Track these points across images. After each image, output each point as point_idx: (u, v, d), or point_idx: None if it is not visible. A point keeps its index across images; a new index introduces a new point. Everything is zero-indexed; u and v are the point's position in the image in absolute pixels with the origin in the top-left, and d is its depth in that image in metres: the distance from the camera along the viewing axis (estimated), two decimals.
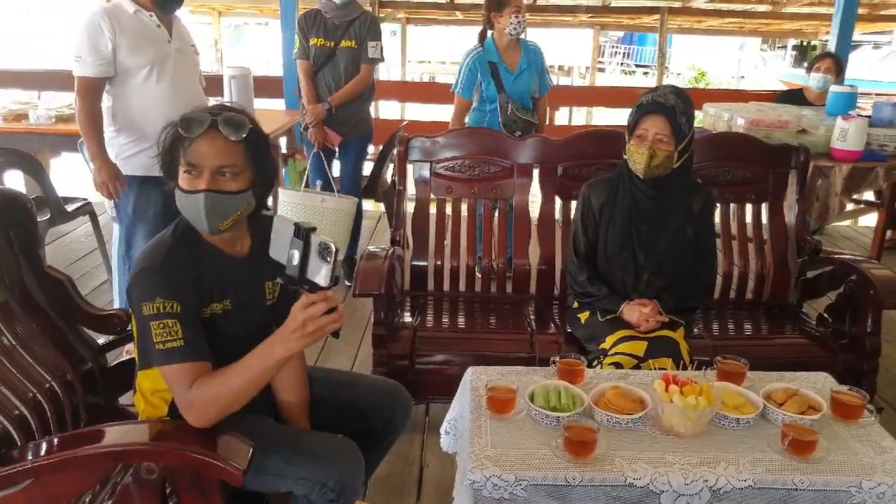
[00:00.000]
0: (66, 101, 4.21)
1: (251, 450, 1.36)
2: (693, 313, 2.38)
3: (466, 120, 3.74)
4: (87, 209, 3.64)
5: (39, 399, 1.61)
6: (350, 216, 3.46)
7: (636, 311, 2.17)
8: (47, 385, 1.64)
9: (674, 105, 2.11)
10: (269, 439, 1.49)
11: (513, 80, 3.60)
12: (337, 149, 3.71)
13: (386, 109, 8.49)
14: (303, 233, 1.27)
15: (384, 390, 1.81)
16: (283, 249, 1.30)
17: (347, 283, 3.61)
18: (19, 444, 1.50)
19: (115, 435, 1.41)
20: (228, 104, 1.56)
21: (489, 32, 3.64)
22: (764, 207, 2.81)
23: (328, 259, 1.25)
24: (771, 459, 1.52)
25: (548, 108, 3.99)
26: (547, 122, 3.92)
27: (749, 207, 2.82)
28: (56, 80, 5.19)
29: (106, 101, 2.69)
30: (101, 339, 1.88)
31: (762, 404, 1.68)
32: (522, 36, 3.62)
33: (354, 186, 3.78)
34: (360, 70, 3.62)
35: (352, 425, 1.78)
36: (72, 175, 4.75)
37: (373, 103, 6.93)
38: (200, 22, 12.39)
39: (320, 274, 1.28)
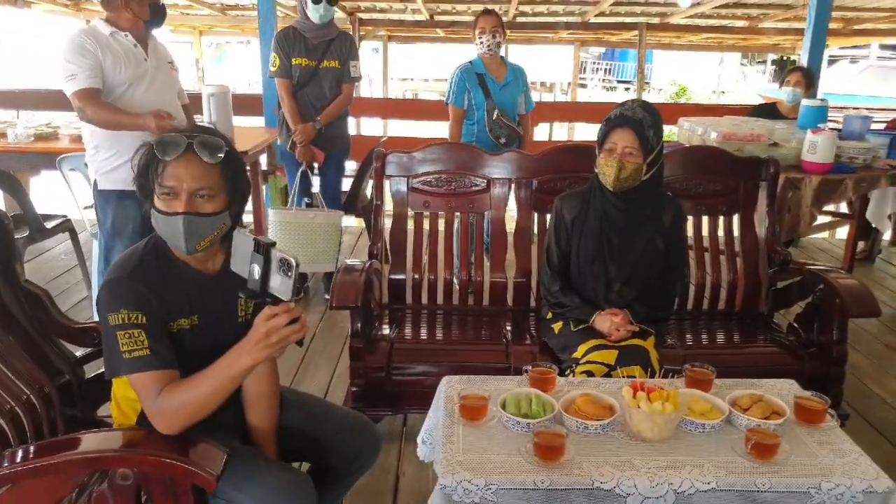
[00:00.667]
0: (44, 119, 4.23)
1: (225, 455, 1.38)
2: (664, 323, 2.43)
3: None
4: (66, 226, 3.65)
5: (17, 411, 1.61)
6: (338, 229, 3.50)
7: (607, 321, 2.21)
8: (25, 397, 1.64)
9: (641, 118, 2.17)
10: (232, 465, 1.47)
11: (499, 89, 3.89)
12: (320, 165, 3.75)
13: (368, 126, 8.55)
14: (262, 248, 1.31)
15: (353, 428, 1.78)
16: (244, 263, 1.35)
17: (327, 297, 3.64)
18: None
19: (90, 442, 1.43)
20: (204, 125, 1.60)
21: (477, 54, 3.93)
22: (735, 219, 2.87)
23: (289, 274, 1.29)
24: (734, 462, 1.56)
25: (530, 126, 4.23)
26: (529, 139, 4.14)
27: (721, 219, 2.88)
28: (34, 100, 5.22)
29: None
30: (80, 352, 1.89)
31: (728, 410, 1.72)
32: (503, 54, 3.93)
33: (335, 202, 3.82)
34: (342, 89, 3.69)
35: (317, 458, 1.80)
36: (51, 193, 4.74)
37: (355, 120, 7.07)
38: (181, 41, 12.43)
39: (281, 288, 1.31)
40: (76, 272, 3.97)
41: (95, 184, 2.85)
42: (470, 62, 3.92)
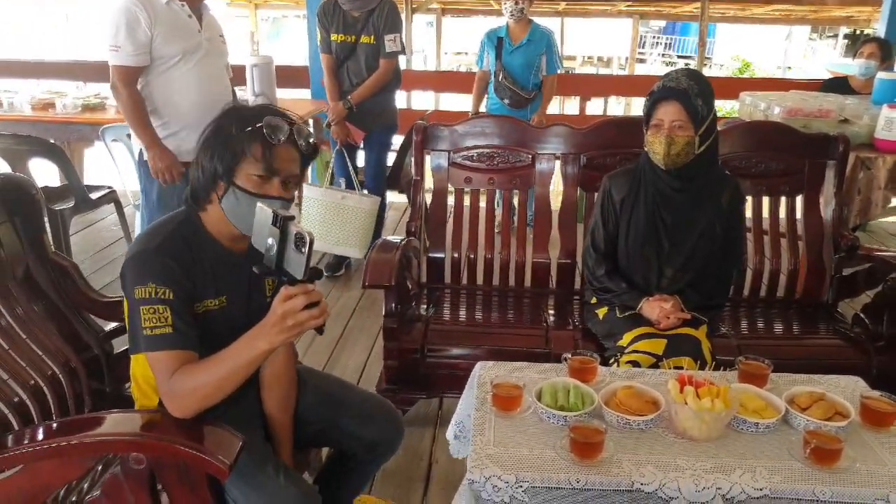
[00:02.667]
0: (93, 90, 4.27)
1: (240, 443, 1.32)
2: (719, 311, 2.28)
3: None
4: (111, 197, 3.68)
5: (41, 386, 1.60)
6: (371, 215, 3.40)
7: (656, 308, 2.07)
8: (49, 372, 1.64)
9: (686, 88, 2.01)
10: (238, 465, 1.40)
11: (511, 51, 4.13)
12: (360, 144, 3.67)
13: (419, 100, 8.43)
14: (280, 221, 1.22)
15: (373, 413, 1.71)
16: (262, 238, 1.26)
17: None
18: (16, 428, 1.50)
19: (103, 424, 1.39)
20: (272, 108, 1.52)
21: None
22: (799, 200, 2.67)
23: (302, 250, 1.20)
24: (790, 468, 1.43)
25: (555, 87, 4.36)
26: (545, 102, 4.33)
27: (783, 200, 2.68)
28: (89, 70, 5.29)
29: None
30: (109, 327, 1.86)
31: (784, 408, 1.58)
32: (534, 20, 4.19)
33: (378, 178, 3.74)
34: (379, 64, 3.56)
35: (336, 444, 1.75)
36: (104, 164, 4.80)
37: (405, 93, 6.96)
38: (237, 14, 12.50)
39: (294, 265, 1.23)
40: (123, 244, 4.01)
41: (140, 154, 2.83)
42: (499, 27, 4.21)
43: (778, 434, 1.54)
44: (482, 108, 4.41)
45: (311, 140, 1.51)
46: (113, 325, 1.86)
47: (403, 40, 3.58)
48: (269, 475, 1.46)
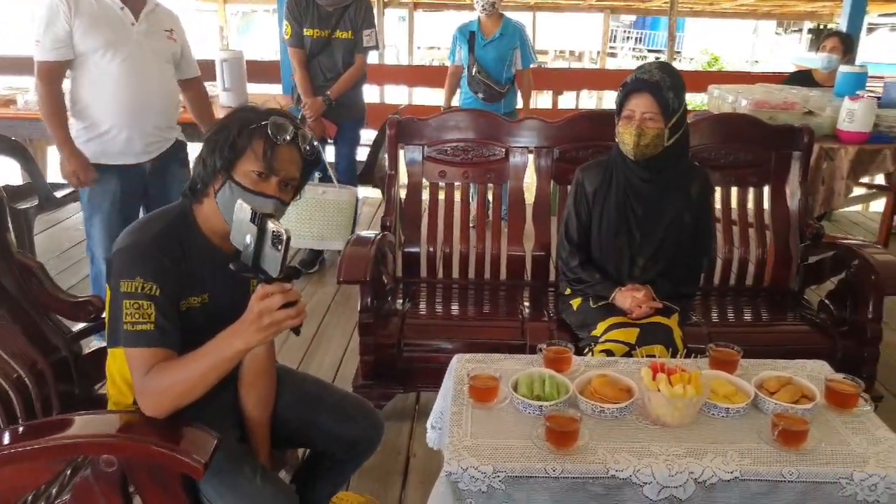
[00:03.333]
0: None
1: (216, 442, 1.31)
2: (689, 300, 2.32)
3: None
4: (76, 196, 3.57)
5: (6, 389, 1.56)
6: (351, 207, 3.41)
7: (629, 297, 2.11)
8: (15, 375, 1.59)
9: (658, 80, 2.04)
10: (214, 464, 1.39)
11: (483, 45, 4.14)
12: (332, 137, 3.66)
13: (392, 94, 8.40)
14: (258, 218, 1.22)
15: (351, 413, 1.71)
16: (240, 235, 1.26)
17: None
18: None
19: (72, 426, 1.36)
20: (280, 110, 1.52)
21: None
22: (766, 191, 2.73)
23: (279, 247, 1.20)
24: (760, 450, 1.47)
25: (532, 81, 4.42)
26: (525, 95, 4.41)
27: (751, 191, 2.73)
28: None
29: (65, 86, 2.58)
30: (77, 327, 1.82)
31: (753, 393, 1.62)
32: (505, 14, 4.21)
33: (350, 172, 3.74)
34: (354, 59, 3.56)
35: (313, 444, 1.74)
36: None
37: (379, 88, 6.92)
38: (206, 9, 12.31)
39: (270, 262, 1.23)
40: None
41: None
42: (470, 21, 4.22)
43: (748, 418, 1.58)
44: (455, 103, 4.42)
45: (315, 146, 1.51)
46: (81, 325, 1.82)
47: (377, 36, 3.58)
48: (245, 475, 1.46)
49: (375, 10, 8.58)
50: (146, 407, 1.34)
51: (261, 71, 4.85)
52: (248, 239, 1.24)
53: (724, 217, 2.72)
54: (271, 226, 1.22)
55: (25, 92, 3.80)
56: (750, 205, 2.73)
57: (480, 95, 4.16)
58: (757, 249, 2.69)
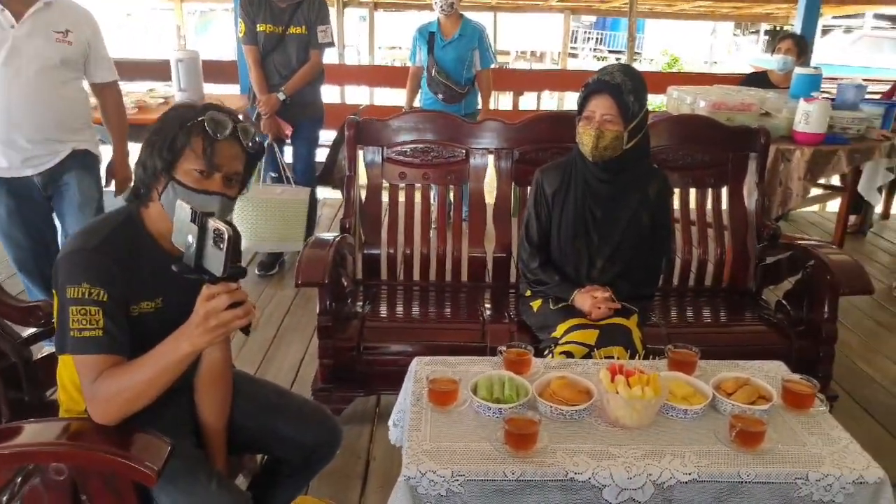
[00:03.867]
0: None
1: (169, 448, 1.28)
2: (649, 300, 2.33)
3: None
4: None
5: None
6: (306, 205, 3.37)
7: (588, 298, 2.11)
8: None
9: (620, 83, 2.04)
10: (169, 471, 1.35)
11: (442, 46, 4.12)
12: (288, 137, 3.60)
13: (353, 95, 8.34)
14: (198, 217, 1.18)
15: (310, 420, 1.68)
16: (182, 235, 1.22)
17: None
18: None
19: (20, 434, 1.32)
20: (217, 105, 1.49)
21: None
22: (724, 192, 2.76)
23: (221, 246, 1.16)
24: (717, 451, 1.47)
25: (492, 82, 4.37)
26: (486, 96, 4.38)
27: (709, 192, 2.76)
28: None
29: None
30: (27, 333, 1.76)
31: (711, 394, 1.63)
32: (465, 15, 4.19)
33: (308, 173, 3.68)
34: (309, 56, 3.51)
35: (271, 450, 1.71)
36: None
37: (339, 88, 6.85)
38: (161, 7, 12.06)
39: (213, 262, 1.19)
40: None
41: None
42: (430, 22, 4.19)
43: (706, 419, 1.59)
44: (416, 104, 4.39)
45: (257, 138, 1.49)
46: (31, 330, 1.76)
47: (333, 33, 3.53)
48: (200, 482, 1.42)
49: (335, 10, 8.57)
50: (95, 414, 1.30)
51: (218, 71, 4.76)
52: (190, 238, 1.20)
53: (683, 218, 2.74)
54: (212, 224, 1.18)
55: None
56: (708, 206, 2.75)
57: (440, 96, 4.16)
58: (715, 250, 2.72)
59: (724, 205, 2.76)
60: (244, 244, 3.38)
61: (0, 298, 1.73)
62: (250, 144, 1.46)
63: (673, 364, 1.79)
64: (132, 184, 1.48)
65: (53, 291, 1.39)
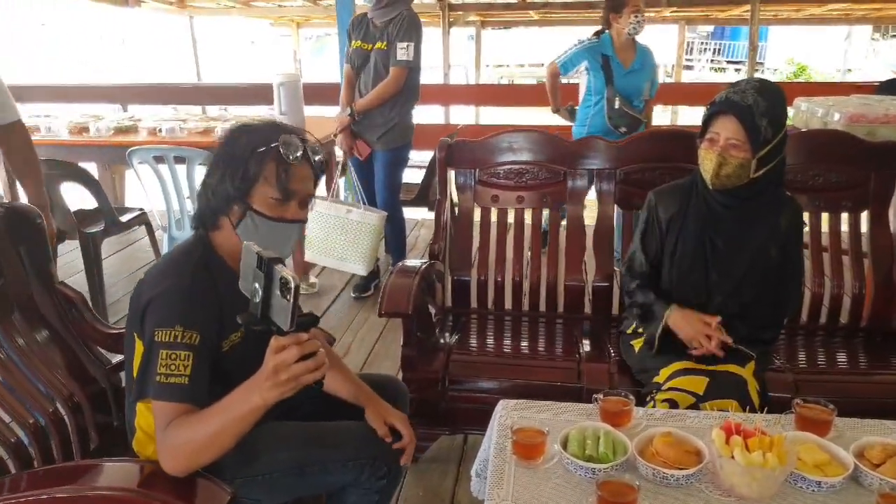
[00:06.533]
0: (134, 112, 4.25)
1: (228, 497, 1.22)
2: (769, 345, 2.04)
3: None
4: (143, 219, 3.65)
5: (41, 424, 1.53)
6: (377, 232, 3.24)
7: (694, 321, 1.85)
8: (52, 409, 1.56)
9: (751, 105, 1.76)
10: (299, 438, 1.42)
11: (624, 75, 3.64)
12: (364, 159, 3.53)
13: (459, 115, 8.33)
14: (264, 264, 1.08)
15: (381, 383, 1.71)
16: (249, 282, 1.13)
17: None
18: (13, 472, 1.43)
19: (83, 477, 1.31)
20: (285, 125, 1.45)
21: (606, 32, 3.70)
22: (864, 216, 2.41)
23: (287, 297, 1.06)
24: None
25: (652, 112, 4.00)
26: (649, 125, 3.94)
27: (845, 217, 2.42)
28: (126, 94, 5.37)
29: None
30: (116, 359, 1.77)
31: (853, 464, 1.36)
32: (639, 37, 3.72)
33: (390, 197, 3.57)
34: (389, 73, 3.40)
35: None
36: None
37: (443, 109, 6.85)
38: (281, 34, 12.64)
39: (278, 313, 1.09)
40: None
41: None
42: (597, 39, 3.69)
43: (845, 494, 1.33)
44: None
45: (322, 152, 1.44)
46: (120, 357, 1.77)
47: (420, 51, 3.38)
48: (337, 425, 1.50)
49: (440, 30, 8.59)
50: (165, 465, 1.25)
51: (318, 93, 4.82)
52: (256, 286, 1.11)
53: (814, 244, 2.42)
54: (278, 272, 1.08)
55: (100, 119, 3.89)
56: (844, 232, 2.41)
57: (623, 129, 3.61)
58: (853, 282, 2.38)
59: (864, 230, 2.41)
60: (307, 255, 3.33)
61: (91, 324, 1.78)
62: (317, 162, 1.40)
63: (801, 422, 1.53)
64: (196, 213, 1.43)
65: (134, 335, 1.35)
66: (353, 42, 3.43)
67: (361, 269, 3.21)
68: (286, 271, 1.07)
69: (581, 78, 3.82)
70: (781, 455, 1.31)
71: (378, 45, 3.36)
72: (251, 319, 1.13)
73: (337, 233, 3.15)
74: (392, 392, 1.71)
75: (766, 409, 1.59)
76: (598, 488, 1.28)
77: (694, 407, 1.74)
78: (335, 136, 3.51)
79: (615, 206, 2.45)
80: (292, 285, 1.05)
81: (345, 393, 1.60)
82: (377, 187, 3.56)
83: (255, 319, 1.12)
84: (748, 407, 1.70)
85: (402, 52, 3.32)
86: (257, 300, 1.11)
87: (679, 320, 1.89)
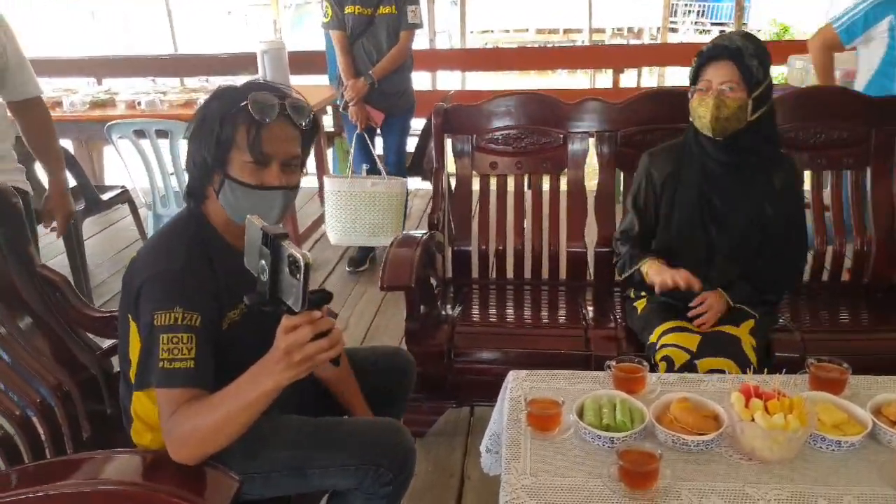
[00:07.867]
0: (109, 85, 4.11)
1: (236, 485, 1.18)
2: (772, 306, 2.02)
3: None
4: (125, 197, 3.54)
5: (28, 416, 1.46)
6: (402, 198, 3.23)
7: (662, 272, 1.86)
8: (39, 399, 1.49)
9: (740, 47, 1.78)
10: (302, 436, 1.36)
11: None
12: (379, 126, 3.46)
13: (445, 81, 8.17)
14: (270, 240, 1.02)
15: (388, 354, 1.73)
16: (254, 258, 1.07)
17: None
18: (3, 468, 1.38)
19: (83, 469, 1.25)
20: (265, 82, 1.36)
21: None
22: (866, 173, 2.38)
23: (297, 276, 1.00)
24: (884, 496, 1.21)
25: None
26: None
27: (847, 174, 2.39)
28: (99, 66, 5.22)
29: None
30: (107, 344, 1.71)
31: (871, 422, 1.35)
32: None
33: (401, 164, 3.54)
34: (399, 38, 3.34)
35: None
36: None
37: (430, 75, 6.70)
38: (259, 4, 12.34)
39: (288, 293, 1.03)
40: (140, 245, 3.88)
41: None
42: None
43: (865, 453, 1.32)
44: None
45: (311, 113, 1.34)
46: (110, 342, 1.70)
47: (422, 14, 3.35)
48: (347, 424, 1.47)
49: None
50: (171, 453, 1.20)
51: (304, 62, 4.69)
52: (263, 264, 1.05)
53: (816, 203, 2.40)
54: (286, 248, 1.02)
55: (74, 93, 3.74)
56: (846, 189, 2.39)
57: None
58: (855, 240, 2.36)
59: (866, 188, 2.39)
60: (333, 238, 3.28)
61: (78, 309, 1.69)
62: (304, 123, 1.31)
63: (816, 382, 1.52)
64: (187, 182, 1.37)
65: (129, 317, 1.29)
66: (348, 7, 3.30)
67: (389, 241, 3.17)
68: (294, 248, 1.01)
69: (868, 46, 2.81)
70: (802, 417, 1.30)
71: (383, 9, 3.27)
72: (260, 300, 1.07)
73: (365, 210, 3.11)
74: (401, 364, 1.68)
75: (766, 369, 1.56)
76: (618, 457, 1.26)
77: (689, 365, 1.74)
78: (344, 108, 3.40)
79: (616, 168, 2.41)
80: (302, 264, 0.99)
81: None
82: (387, 154, 3.50)
83: (264, 299, 1.07)
84: (749, 368, 1.66)
85: (412, 14, 3.29)
86: (265, 279, 1.05)
87: (652, 270, 1.89)
